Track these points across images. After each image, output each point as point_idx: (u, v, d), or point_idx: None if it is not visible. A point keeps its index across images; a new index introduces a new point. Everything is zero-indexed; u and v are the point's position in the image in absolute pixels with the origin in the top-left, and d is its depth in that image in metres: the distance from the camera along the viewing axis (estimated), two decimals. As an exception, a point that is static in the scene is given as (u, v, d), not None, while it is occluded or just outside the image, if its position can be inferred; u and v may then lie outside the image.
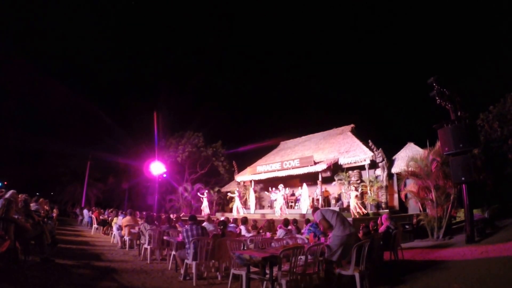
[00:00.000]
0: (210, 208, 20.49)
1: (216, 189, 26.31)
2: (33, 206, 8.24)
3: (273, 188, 18.83)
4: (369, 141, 15.90)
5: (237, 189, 20.59)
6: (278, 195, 15.96)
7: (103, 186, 35.83)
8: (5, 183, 31.29)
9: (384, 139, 19.27)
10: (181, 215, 15.01)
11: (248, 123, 49.77)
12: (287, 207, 16.84)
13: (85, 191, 31.80)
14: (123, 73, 58.04)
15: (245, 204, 20.01)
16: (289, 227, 7.83)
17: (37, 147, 35.42)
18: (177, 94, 52.97)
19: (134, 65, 60.09)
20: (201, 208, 19.99)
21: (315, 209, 5.89)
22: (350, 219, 10.70)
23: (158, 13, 59.32)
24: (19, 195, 6.75)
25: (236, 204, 18.39)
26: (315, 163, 17.16)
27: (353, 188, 15.07)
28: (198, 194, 20.57)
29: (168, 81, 57.15)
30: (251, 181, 20.82)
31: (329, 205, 16.87)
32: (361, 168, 16.47)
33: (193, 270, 5.82)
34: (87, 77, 56.54)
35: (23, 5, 39.52)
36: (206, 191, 21.34)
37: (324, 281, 5.27)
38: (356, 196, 14.33)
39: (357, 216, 13.30)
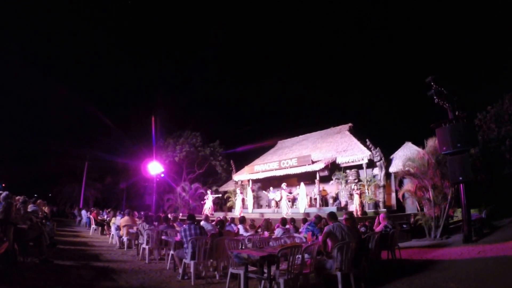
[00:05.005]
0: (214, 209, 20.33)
1: (214, 188, 26.33)
2: (31, 207, 8.25)
3: (271, 188, 18.90)
4: (367, 140, 15.93)
5: (238, 188, 20.53)
6: (283, 194, 15.97)
7: (101, 186, 35.77)
8: (3, 185, 31.18)
9: (382, 138, 19.27)
10: (179, 216, 14.99)
11: (245, 122, 49.80)
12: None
13: (83, 191, 31.74)
14: (121, 73, 57.82)
15: (242, 203, 20.00)
16: (287, 226, 7.85)
17: (35, 148, 35.43)
18: (175, 94, 52.96)
19: (132, 65, 59.94)
20: (204, 208, 19.82)
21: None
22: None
23: (157, 14, 59.29)
24: (18, 197, 6.76)
25: (238, 204, 18.29)
26: (313, 162, 17.19)
27: (355, 187, 15.13)
28: (211, 195, 20.35)
29: (166, 81, 57.12)
30: (249, 181, 20.82)
31: (326, 204, 16.90)
32: (359, 167, 16.50)
33: (191, 270, 5.83)
34: (85, 77, 56.48)
35: (23, 5, 39.35)
36: (210, 191, 21.27)
37: (316, 279, 5.31)
38: (359, 195, 14.44)
39: (359, 215, 13.40)
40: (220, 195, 21.49)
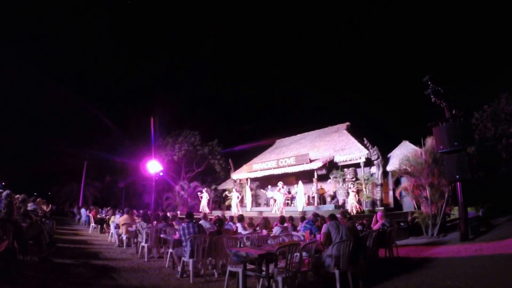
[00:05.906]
0: (208, 207, 20.38)
1: (213, 187, 26.38)
2: (31, 206, 8.27)
3: (270, 186, 18.94)
4: (364, 139, 15.99)
5: (235, 187, 20.58)
6: (279, 194, 16.03)
7: (100, 185, 35.75)
8: (3, 184, 31.10)
9: (379, 137, 19.39)
10: (178, 214, 15.01)
11: (244, 121, 49.72)
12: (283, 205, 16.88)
13: (82, 190, 31.75)
14: (120, 72, 57.59)
15: (241, 202, 20.06)
16: (285, 225, 7.90)
17: (34, 147, 35.35)
18: (174, 93, 52.86)
19: (131, 64, 59.75)
20: (201, 206, 19.82)
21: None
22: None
23: (156, 13, 59.11)
24: (17, 196, 6.78)
25: (234, 202, 18.41)
26: (311, 161, 17.25)
27: (351, 185, 15.21)
28: (203, 193, 20.29)
29: (164, 80, 56.98)
30: (247, 179, 20.87)
31: (324, 202, 16.98)
32: (356, 166, 16.55)
33: (190, 268, 5.87)
34: (84, 77, 56.23)
35: (23, 5, 39.15)
36: (205, 189, 21.27)
37: (314, 277, 5.36)
38: (355, 194, 14.51)
39: (355, 213, 13.46)
40: (205, 190, 21.22)
